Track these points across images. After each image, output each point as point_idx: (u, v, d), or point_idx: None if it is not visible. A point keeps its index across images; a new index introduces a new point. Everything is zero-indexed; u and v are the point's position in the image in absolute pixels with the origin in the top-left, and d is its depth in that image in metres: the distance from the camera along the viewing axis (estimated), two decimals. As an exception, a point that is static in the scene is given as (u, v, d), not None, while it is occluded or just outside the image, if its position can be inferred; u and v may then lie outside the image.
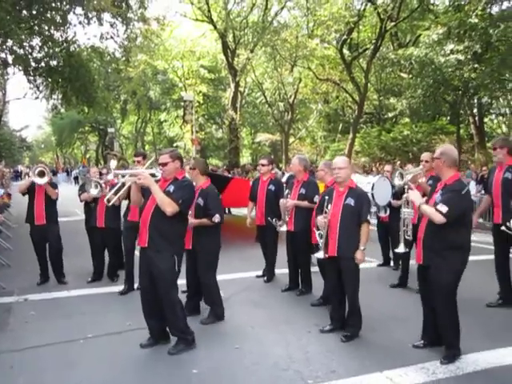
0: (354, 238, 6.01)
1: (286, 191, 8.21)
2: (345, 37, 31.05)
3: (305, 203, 7.87)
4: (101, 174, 9.72)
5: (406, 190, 5.73)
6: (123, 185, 6.43)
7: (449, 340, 5.43)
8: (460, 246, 5.26)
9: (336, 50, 32.29)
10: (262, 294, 8.27)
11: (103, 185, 8.84)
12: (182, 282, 6.33)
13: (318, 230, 6.41)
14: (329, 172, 7.23)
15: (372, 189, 9.04)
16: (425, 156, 8.08)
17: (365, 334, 6.20)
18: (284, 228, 8.17)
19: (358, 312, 6.18)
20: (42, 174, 8.86)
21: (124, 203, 8.44)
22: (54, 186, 9.27)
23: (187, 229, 6.08)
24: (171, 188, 5.68)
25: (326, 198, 6.31)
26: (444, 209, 5.10)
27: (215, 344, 6.02)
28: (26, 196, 9.05)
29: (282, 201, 8.16)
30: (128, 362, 5.61)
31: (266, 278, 9.10)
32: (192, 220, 6.59)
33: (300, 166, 8.14)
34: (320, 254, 6.29)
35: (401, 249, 6.12)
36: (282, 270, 8.93)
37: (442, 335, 5.52)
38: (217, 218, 6.67)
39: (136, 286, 7.80)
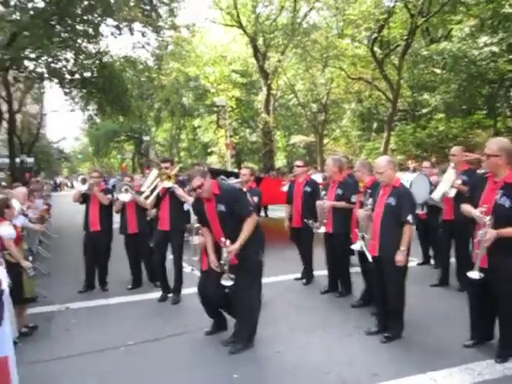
0: (395, 238, 5.91)
1: (323, 193, 8.15)
2: (375, 35, 30.68)
3: (342, 204, 7.80)
4: (132, 179, 9.87)
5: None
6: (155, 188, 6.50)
7: (507, 339, 5.28)
8: None
9: (367, 49, 31.96)
10: (301, 297, 8.25)
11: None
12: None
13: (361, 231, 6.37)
14: (365, 172, 7.15)
15: (410, 186, 8.90)
16: (454, 150, 7.96)
17: (406, 334, 6.10)
18: (322, 230, 8.10)
19: (400, 313, 6.09)
20: (83, 182, 9.04)
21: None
22: (107, 191, 9.44)
23: None
24: (222, 207, 5.77)
25: (369, 191, 6.25)
26: None
27: (255, 348, 5.99)
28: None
29: (318, 202, 8.09)
30: (168, 368, 5.62)
31: (304, 280, 9.07)
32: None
33: (335, 167, 8.06)
34: (357, 246, 6.20)
35: (475, 275, 5.22)
36: (320, 272, 8.87)
37: (502, 334, 5.35)
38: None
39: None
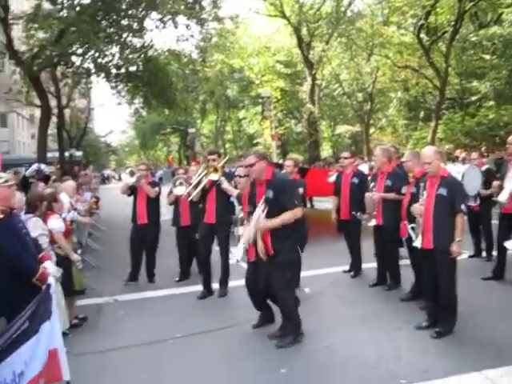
0: (448, 229, 5.78)
1: (372, 184, 8.01)
2: (422, 21, 30.03)
3: (392, 195, 7.64)
4: (186, 171, 9.90)
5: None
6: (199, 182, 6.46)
7: None
8: None
9: (413, 36, 31.37)
10: (349, 290, 8.15)
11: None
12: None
13: (411, 222, 6.21)
14: (416, 162, 6.98)
15: (462, 178, 8.68)
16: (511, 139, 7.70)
17: (458, 330, 5.93)
18: (373, 222, 7.96)
19: (452, 307, 5.92)
20: (132, 174, 9.13)
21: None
22: (154, 184, 9.51)
23: None
24: (270, 193, 5.78)
25: (422, 185, 6.11)
26: None
27: (303, 343, 5.92)
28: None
29: (367, 194, 7.96)
30: (216, 361, 5.63)
31: (352, 272, 8.95)
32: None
33: (384, 157, 7.91)
34: (417, 243, 6.06)
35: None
36: (368, 265, 8.75)
37: None
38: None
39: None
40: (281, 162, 16.52)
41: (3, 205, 5.14)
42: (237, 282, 7.98)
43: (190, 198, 8.24)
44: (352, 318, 6.74)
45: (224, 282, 8.28)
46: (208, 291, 8.23)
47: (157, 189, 9.33)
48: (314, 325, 6.44)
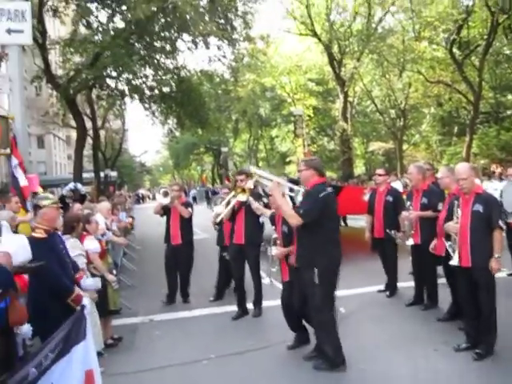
0: (486, 246, 5.67)
1: (408, 203, 7.92)
2: (454, 36, 29.85)
3: (428, 213, 7.52)
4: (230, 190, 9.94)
5: None
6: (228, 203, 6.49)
7: None
8: None
9: (446, 51, 31.18)
10: (384, 310, 8.01)
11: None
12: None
13: (448, 240, 6.11)
14: (453, 178, 6.87)
15: (501, 195, 8.53)
16: None
17: (500, 351, 5.74)
18: (410, 242, 7.82)
19: (493, 327, 5.77)
20: (165, 195, 9.18)
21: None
22: (188, 204, 9.56)
23: None
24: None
25: (456, 202, 6.01)
26: None
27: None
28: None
29: (404, 213, 7.86)
30: (251, 382, 5.61)
31: (388, 292, 8.81)
32: None
33: (419, 175, 7.80)
34: (454, 261, 5.94)
35: None
36: (404, 284, 8.62)
37: None
38: None
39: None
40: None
41: (48, 226, 5.29)
42: (271, 303, 7.94)
43: (220, 217, 8.25)
44: (388, 338, 6.64)
45: (257, 302, 8.23)
46: (243, 311, 8.19)
47: (190, 209, 9.37)
48: (349, 346, 6.34)
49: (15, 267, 4.26)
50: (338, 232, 6.01)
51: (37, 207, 5.31)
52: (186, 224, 9.37)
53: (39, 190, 10.05)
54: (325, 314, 5.72)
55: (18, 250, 4.47)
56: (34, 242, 5.06)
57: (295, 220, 5.55)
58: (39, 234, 5.22)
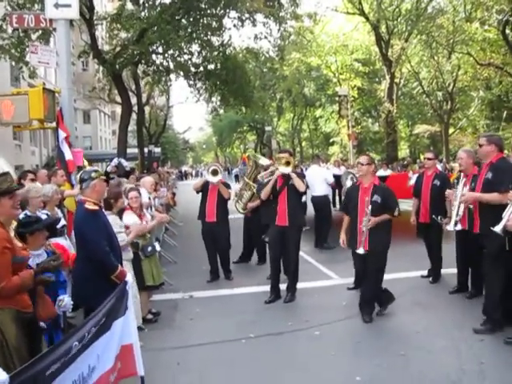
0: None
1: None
2: (507, 17, 28.92)
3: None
4: None
5: None
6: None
7: None
8: None
9: (498, 32, 30.27)
10: (428, 296, 7.82)
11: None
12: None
13: None
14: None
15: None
16: None
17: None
18: (458, 227, 7.42)
19: None
20: (215, 173, 9.18)
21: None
22: (228, 185, 9.60)
23: None
24: (489, 175, 6.02)
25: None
26: None
27: (379, 350, 5.76)
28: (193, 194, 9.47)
29: (449, 191, 7.53)
30: (289, 364, 5.56)
31: (431, 278, 8.61)
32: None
33: (469, 159, 7.51)
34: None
35: None
36: (448, 270, 8.38)
37: None
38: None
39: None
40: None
41: (97, 199, 5.30)
42: (311, 284, 7.88)
43: (262, 193, 7.99)
44: (430, 325, 6.49)
45: (292, 287, 7.97)
46: (276, 296, 7.94)
47: (230, 190, 9.41)
48: (391, 331, 6.27)
49: (40, 267, 4.21)
50: None
51: (82, 181, 5.29)
52: (223, 203, 9.38)
53: (85, 163, 10.19)
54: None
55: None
56: (89, 214, 5.12)
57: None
58: (92, 206, 5.19)
